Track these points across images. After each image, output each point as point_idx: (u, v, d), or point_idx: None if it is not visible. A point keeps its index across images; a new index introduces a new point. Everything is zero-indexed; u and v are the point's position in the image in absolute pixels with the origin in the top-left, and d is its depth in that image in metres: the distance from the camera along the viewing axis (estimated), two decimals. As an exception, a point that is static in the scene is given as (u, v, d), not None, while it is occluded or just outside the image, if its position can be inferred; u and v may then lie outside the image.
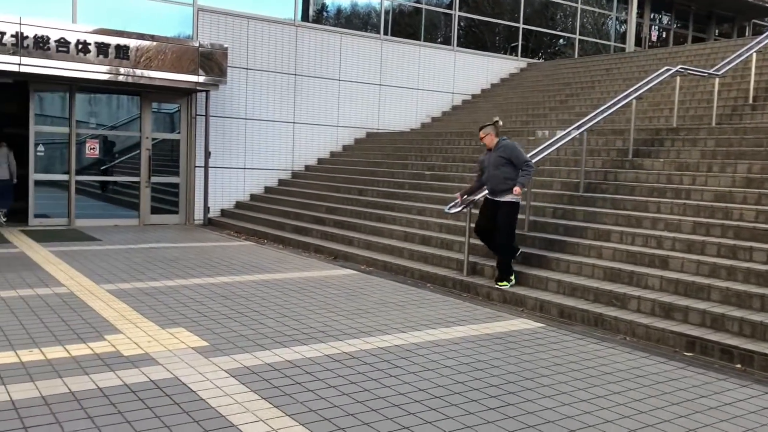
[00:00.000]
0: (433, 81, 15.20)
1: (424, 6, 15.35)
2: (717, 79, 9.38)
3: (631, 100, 8.62)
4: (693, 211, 7.01)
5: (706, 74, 9.50)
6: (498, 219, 6.92)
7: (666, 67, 9.21)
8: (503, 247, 6.97)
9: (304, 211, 11.19)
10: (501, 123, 7.19)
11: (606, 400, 4.07)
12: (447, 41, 15.59)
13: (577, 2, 17.71)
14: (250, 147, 12.90)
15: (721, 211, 6.78)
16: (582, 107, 11.98)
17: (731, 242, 6.20)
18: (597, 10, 18.49)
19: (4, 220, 11.26)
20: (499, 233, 6.95)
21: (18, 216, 11.40)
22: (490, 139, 7.07)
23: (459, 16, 15.74)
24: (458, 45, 15.87)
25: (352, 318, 5.88)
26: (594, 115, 8.44)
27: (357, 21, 14.80)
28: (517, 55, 16.74)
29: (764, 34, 10.37)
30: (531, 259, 7.28)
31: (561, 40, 17.98)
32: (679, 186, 7.56)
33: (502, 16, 16.67)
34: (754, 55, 9.75)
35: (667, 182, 7.83)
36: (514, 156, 6.86)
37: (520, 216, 7.21)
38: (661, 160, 8.28)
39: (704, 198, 7.21)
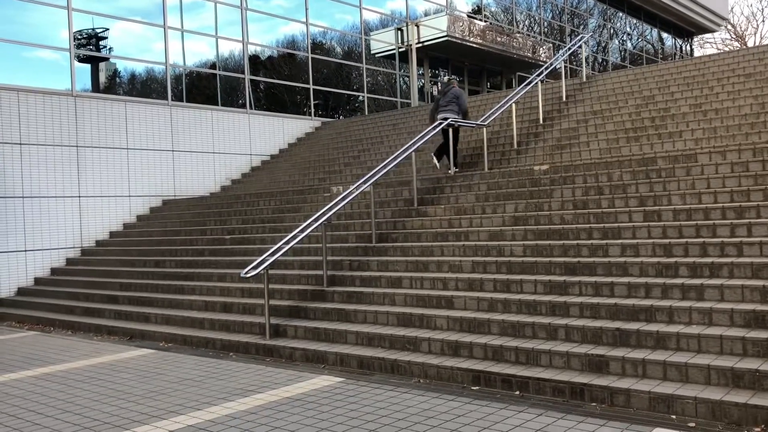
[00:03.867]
0: (230, 144, 15.13)
1: (218, 72, 15.33)
2: (485, 129, 10.34)
3: (410, 153, 9.20)
4: (471, 251, 7.58)
5: (474, 125, 10.44)
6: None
7: (439, 121, 9.98)
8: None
9: (96, 291, 10.43)
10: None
11: (396, 448, 4.17)
12: (245, 103, 15.69)
13: (362, 63, 18.73)
14: (31, 227, 11.84)
15: (495, 249, 7.40)
16: (373, 161, 12.57)
17: (505, 277, 6.77)
18: (381, 69, 19.68)
19: None
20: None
21: None
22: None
23: (252, 79, 15.92)
24: (257, 107, 16.01)
25: (144, 402, 5.52)
26: (379, 170, 8.87)
27: (156, 86, 14.39)
28: (311, 115, 17.22)
29: (520, 87, 11.67)
30: (331, 313, 7.38)
31: (360, 97, 18.84)
32: (458, 229, 8.15)
33: (297, 78, 17.14)
34: (513, 105, 10.91)
35: (448, 226, 8.41)
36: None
37: (318, 272, 7.38)
38: (442, 206, 8.89)
39: (480, 238, 7.83)
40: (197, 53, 15.20)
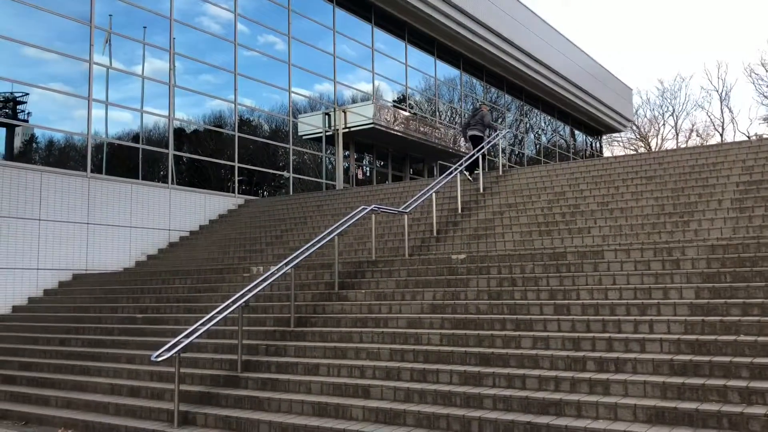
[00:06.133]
0: (149, 218, 14.82)
1: (141, 146, 15.18)
2: (406, 216, 10.61)
3: (333, 236, 9.30)
4: (390, 338, 7.62)
5: (396, 212, 10.71)
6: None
7: (362, 206, 10.19)
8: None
9: (-9, 370, 9.76)
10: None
11: None
12: (167, 178, 15.51)
13: (289, 144, 19.00)
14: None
15: (413, 336, 7.48)
16: (295, 242, 12.58)
17: (421, 366, 6.83)
18: (308, 150, 20.00)
19: None
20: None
21: None
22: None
23: (176, 155, 15.83)
24: (180, 180, 15.84)
25: (36, 497, 5.14)
26: (301, 252, 8.89)
27: (74, 154, 14.05)
28: (235, 192, 17.17)
29: (441, 177, 12.12)
30: (244, 401, 7.18)
31: (285, 174, 18.97)
32: (378, 315, 8.21)
33: (222, 154, 17.16)
34: (434, 195, 11.28)
35: (368, 312, 8.45)
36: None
37: (233, 357, 7.20)
38: (363, 291, 8.96)
39: (399, 325, 7.91)
40: (121, 122, 15.04)
